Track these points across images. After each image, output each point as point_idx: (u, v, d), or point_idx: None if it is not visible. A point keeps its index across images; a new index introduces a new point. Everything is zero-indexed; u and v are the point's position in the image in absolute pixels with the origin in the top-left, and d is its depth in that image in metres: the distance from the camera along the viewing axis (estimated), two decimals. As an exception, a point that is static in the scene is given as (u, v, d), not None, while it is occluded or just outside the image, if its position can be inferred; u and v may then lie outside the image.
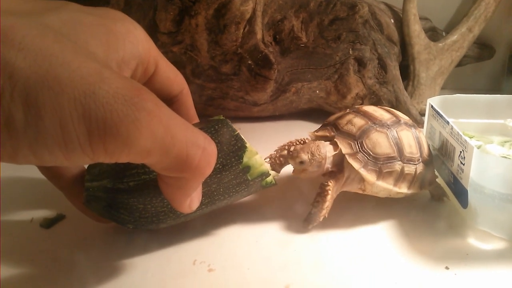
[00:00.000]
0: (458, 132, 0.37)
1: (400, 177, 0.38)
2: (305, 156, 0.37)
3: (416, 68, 0.67)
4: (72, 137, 0.20)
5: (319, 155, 0.37)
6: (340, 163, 0.38)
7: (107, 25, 0.26)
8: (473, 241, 0.37)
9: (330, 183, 0.36)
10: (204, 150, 0.25)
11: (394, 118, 0.40)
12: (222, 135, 0.35)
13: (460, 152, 0.37)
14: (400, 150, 0.38)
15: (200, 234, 0.37)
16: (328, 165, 0.38)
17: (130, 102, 0.21)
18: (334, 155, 0.38)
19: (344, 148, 0.37)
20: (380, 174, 0.37)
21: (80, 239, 0.37)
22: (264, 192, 0.44)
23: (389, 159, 0.37)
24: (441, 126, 0.42)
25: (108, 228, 0.38)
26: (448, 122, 0.40)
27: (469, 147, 0.35)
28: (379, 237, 0.37)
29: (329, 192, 0.36)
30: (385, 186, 0.37)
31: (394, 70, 0.62)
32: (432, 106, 0.44)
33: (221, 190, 0.35)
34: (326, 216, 0.36)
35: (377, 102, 0.61)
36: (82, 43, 0.24)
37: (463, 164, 0.36)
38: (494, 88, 0.78)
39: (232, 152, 0.35)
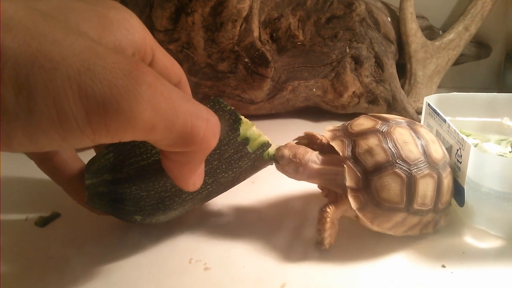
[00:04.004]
0: (455, 130, 0.37)
1: (399, 224, 0.34)
2: (287, 153, 0.35)
3: (413, 66, 0.67)
4: (68, 117, 0.19)
5: (300, 160, 0.35)
6: (333, 181, 0.36)
7: (100, 11, 0.25)
8: (470, 240, 0.37)
9: (329, 209, 0.34)
10: (208, 121, 0.24)
11: (423, 159, 0.34)
12: (216, 111, 0.34)
13: (457, 150, 0.37)
14: (410, 200, 0.34)
15: (195, 232, 0.37)
16: (308, 174, 0.35)
17: (129, 76, 0.20)
18: (324, 166, 0.36)
19: (350, 181, 0.34)
20: (376, 219, 0.34)
21: (75, 237, 0.37)
22: (260, 190, 0.43)
23: (393, 209, 0.34)
24: (438, 124, 0.41)
25: (103, 226, 0.37)
26: (445, 120, 0.40)
27: (466, 145, 0.35)
28: (375, 234, 0.37)
29: (328, 219, 0.34)
30: (378, 230, 0.35)
31: (391, 68, 0.62)
32: (429, 104, 0.44)
33: (224, 166, 0.35)
34: (333, 243, 0.35)
35: (373, 101, 0.61)
36: (73, 24, 0.23)
37: (460, 162, 0.36)
38: (491, 86, 0.78)
39: (228, 126, 0.34)
